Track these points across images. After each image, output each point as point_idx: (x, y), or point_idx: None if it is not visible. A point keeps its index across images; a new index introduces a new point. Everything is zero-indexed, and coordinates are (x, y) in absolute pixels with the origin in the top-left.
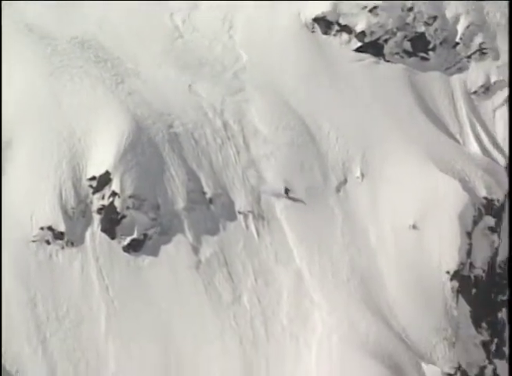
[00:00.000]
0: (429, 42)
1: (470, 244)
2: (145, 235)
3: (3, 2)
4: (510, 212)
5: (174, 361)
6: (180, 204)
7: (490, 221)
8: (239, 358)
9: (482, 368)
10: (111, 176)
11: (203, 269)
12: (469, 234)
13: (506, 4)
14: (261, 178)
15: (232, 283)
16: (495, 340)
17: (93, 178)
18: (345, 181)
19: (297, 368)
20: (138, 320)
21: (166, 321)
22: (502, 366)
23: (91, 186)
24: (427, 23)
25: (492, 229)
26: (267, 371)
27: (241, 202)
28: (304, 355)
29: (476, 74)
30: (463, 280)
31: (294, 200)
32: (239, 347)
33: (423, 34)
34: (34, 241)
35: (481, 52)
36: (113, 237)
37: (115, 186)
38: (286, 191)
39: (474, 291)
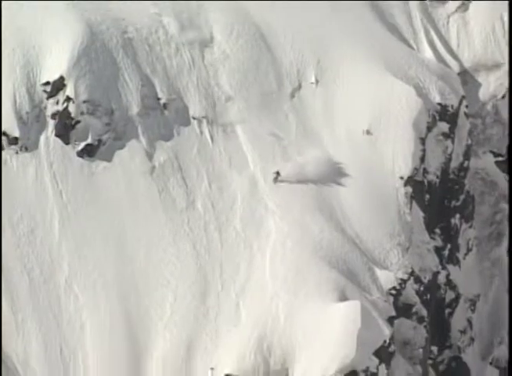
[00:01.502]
0: None
1: (424, 150)
2: (99, 140)
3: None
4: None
5: (128, 265)
6: (134, 109)
7: (444, 127)
8: (192, 263)
9: (435, 274)
10: (65, 82)
11: (157, 175)
12: (423, 140)
13: None
14: (215, 84)
15: (186, 188)
16: (449, 245)
17: (47, 83)
18: (299, 87)
19: (251, 274)
20: (91, 225)
21: (119, 226)
22: (455, 271)
23: (45, 91)
24: None
25: (446, 135)
26: (220, 277)
27: (195, 107)
28: (257, 260)
29: None
30: (417, 186)
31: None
32: (192, 252)
33: None
34: None
35: None
36: (67, 142)
37: (69, 91)
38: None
39: (427, 196)
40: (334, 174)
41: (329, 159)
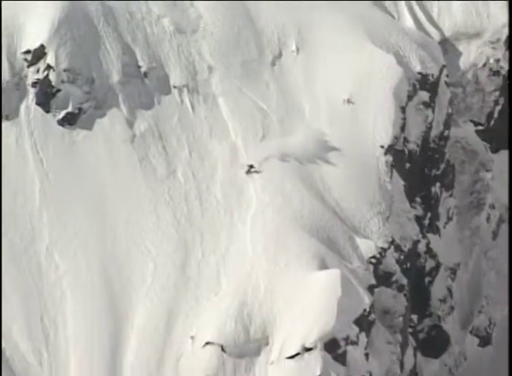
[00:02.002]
0: None
1: (404, 119)
2: (79, 109)
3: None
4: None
5: (108, 234)
6: (115, 77)
7: (424, 96)
8: (173, 232)
9: (416, 242)
10: (46, 50)
11: (138, 143)
12: (403, 109)
13: None
14: (196, 52)
15: (167, 157)
16: (429, 214)
17: (28, 51)
18: (280, 55)
19: (232, 242)
20: (72, 194)
21: (100, 194)
22: (435, 240)
23: (26, 59)
24: None
25: (427, 104)
26: (201, 245)
27: (176, 76)
28: (238, 229)
29: None
30: (397, 155)
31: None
32: (173, 221)
33: None
34: None
35: None
36: (47, 111)
37: (50, 59)
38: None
39: (407, 165)
40: (315, 143)
41: (311, 129)
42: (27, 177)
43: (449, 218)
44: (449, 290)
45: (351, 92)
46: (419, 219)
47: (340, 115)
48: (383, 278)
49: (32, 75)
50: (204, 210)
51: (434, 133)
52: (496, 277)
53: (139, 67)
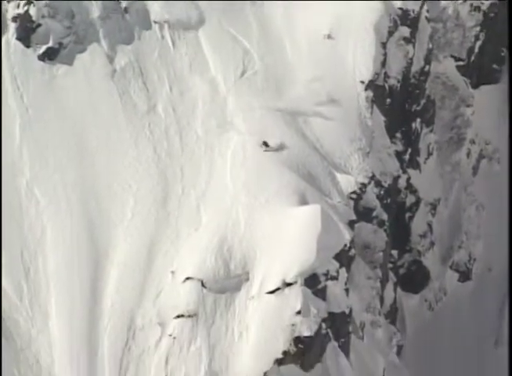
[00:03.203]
0: None
1: (385, 55)
2: (60, 44)
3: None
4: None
5: (89, 169)
6: (95, 12)
7: (405, 31)
8: (153, 167)
9: (396, 178)
10: None
11: (118, 79)
12: (384, 44)
13: None
14: None
15: (147, 92)
16: (409, 150)
17: None
18: None
19: (212, 178)
20: (52, 129)
21: (80, 130)
22: (415, 176)
23: None
24: None
25: (407, 40)
26: (181, 180)
27: (156, 11)
28: (218, 165)
29: None
30: (378, 90)
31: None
32: (153, 156)
33: None
34: None
35: None
36: (28, 46)
37: None
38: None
39: (388, 101)
40: (294, 76)
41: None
42: (7, 112)
43: (430, 154)
44: (429, 225)
45: (331, 28)
46: (399, 155)
47: (321, 51)
48: (363, 213)
49: (12, 10)
50: (184, 145)
51: (414, 69)
52: (476, 212)
53: (120, 2)
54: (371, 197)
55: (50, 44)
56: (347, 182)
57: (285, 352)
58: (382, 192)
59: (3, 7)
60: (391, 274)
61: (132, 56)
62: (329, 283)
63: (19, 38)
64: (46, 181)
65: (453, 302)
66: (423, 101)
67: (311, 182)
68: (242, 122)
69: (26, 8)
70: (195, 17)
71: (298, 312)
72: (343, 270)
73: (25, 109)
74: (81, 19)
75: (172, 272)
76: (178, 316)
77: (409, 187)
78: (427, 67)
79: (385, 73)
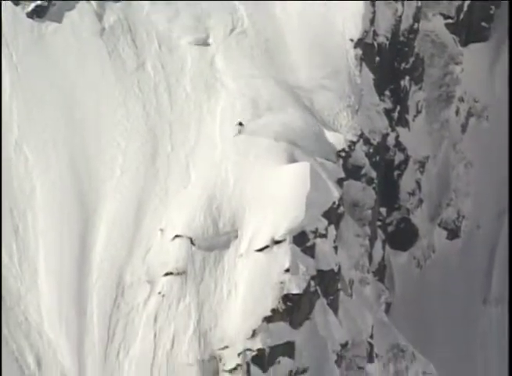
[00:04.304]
0: None
1: (374, 12)
2: (49, 1)
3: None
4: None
5: (78, 126)
6: None
7: None
8: (142, 124)
9: (385, 135)
10: None
11: (107, 36)
12: (373, 2)
13: None
14: None
15: (136, 49)
16: (398, 107)
17: None
18: None
19: (201, 134)
20: (41, 87)
21: (69, 88)
22: (404, 133)
23: None
24: None
25: None
26: (170, 138)
27: None
28: (207, 122)
29: None
30: (367, 48)
31: None
32: (142, 113)
33: None
34: None
35: None
36: (16, 3)
37: None
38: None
39: (377, 58)
40: (283, 35)
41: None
42: None
43: (418, 112)
44: (418, 183)
45: None
46: (388, 112)
47: (309, 8)
48: (352, 171)
49: None
50: (173, 103)
51: (403, 26)
52: (465, 170)
53: None
54: (360, 154)
55: (39, 1)
56: (336, 140)
57: (274, 310)
58: (371, 150)
59: None
60: (380, 232)
61: (121, 14)
62: (318, 240)
63: None
64: (35, 139)
65: (442, 260)
66: (412, 59)
67: (301, 140)
68: (231, 81)
69: None
70: None
71: (287, 270)
72: (331, 228)
73: (14, 67)
74: None
75: (161, 230)
76: (167, 274)
77: (398, 145)
78: (415, 25)
79: (374, 31)
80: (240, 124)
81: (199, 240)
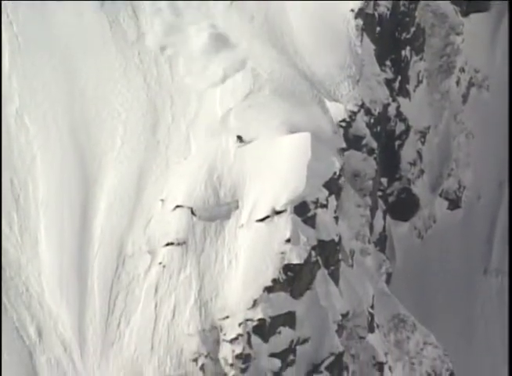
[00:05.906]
0: None
1: None
2: None
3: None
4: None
5: (78, 97)
6: None
7: None
8: (143, 95)
9: (386, 106)
10: None
11: (108, 7)
12: None
13: None
14: None
15: (137, 20)
16: (399, 78)
17: None
18: None
19: (201, 106)
20: (41, 57)
21: (70, 58)
22: (405, 103)
23: None
24: None
25: None
26: (171, 109)
27: None
28: (208, 93)
29: None
30: (368, 19)
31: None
32: (143, 84)
33: None
34: None
35: None
36: None
37: None
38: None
39: (378, 29)
40: (284, 6)
41: None
42: None
43: (419, 82)
44: (419, 153)
45: None
46: (389, 83)
47: None
48: (353, 141)
49: None
50: (174, 74)
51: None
52: (466, 140)
53: None
54: (361, 125)
55: None
56: (337, 110)
57: (274, 280)
58: (372, 120)
59: None
60: (381, 202)
61: None
62: (319, 211)
63: None
64: (36, 108)
65: (442, 230)
66: (412, 29)
67: (301, 110)
68: (231, 49)
69: None
70: None
71: (288, 240)
72: (332, 198)
73: (15, 36)
74: None
75: (162, 201)
76: (168, 244)
77: (399, 115)
78: None
79: (375, 1)
80: (239, 137)
81: (199, 211)
